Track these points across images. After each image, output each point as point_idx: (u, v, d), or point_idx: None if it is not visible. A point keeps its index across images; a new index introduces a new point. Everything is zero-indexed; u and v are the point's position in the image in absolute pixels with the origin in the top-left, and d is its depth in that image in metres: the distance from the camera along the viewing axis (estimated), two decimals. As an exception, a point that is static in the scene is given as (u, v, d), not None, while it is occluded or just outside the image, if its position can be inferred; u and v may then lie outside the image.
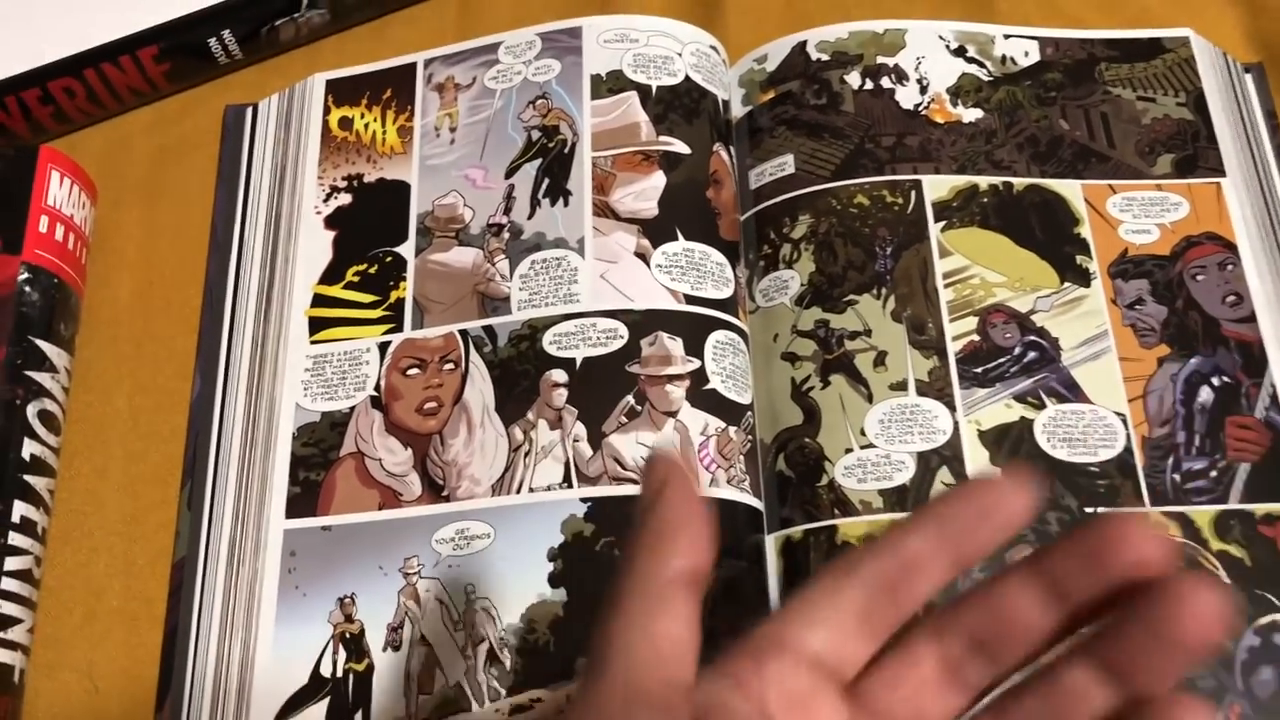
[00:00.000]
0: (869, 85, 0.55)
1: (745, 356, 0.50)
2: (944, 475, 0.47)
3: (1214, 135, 0.54)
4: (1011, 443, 0.48)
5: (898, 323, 0.50)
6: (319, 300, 0.52)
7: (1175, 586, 0.26)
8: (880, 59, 0.56)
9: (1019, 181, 0.53)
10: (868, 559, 0.30)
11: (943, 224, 0.52)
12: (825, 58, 0.56)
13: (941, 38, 0.56)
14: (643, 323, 0.49)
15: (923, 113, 0.55)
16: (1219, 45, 0.57)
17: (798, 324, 0.50)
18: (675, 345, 0.48)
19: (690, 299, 0.49)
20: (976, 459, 0.47)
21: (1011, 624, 0.29)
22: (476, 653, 0.44)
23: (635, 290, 0.49)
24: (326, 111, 0.56)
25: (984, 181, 0.53)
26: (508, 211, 0.52)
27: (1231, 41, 0.58)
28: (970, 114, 0.55)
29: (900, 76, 0.55)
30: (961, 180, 0.53)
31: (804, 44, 0.56)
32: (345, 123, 0.56)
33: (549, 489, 0.46)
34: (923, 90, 0.55)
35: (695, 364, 0.48)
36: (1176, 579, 0.27)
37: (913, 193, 0.52)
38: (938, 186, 0.53)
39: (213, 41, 0.56)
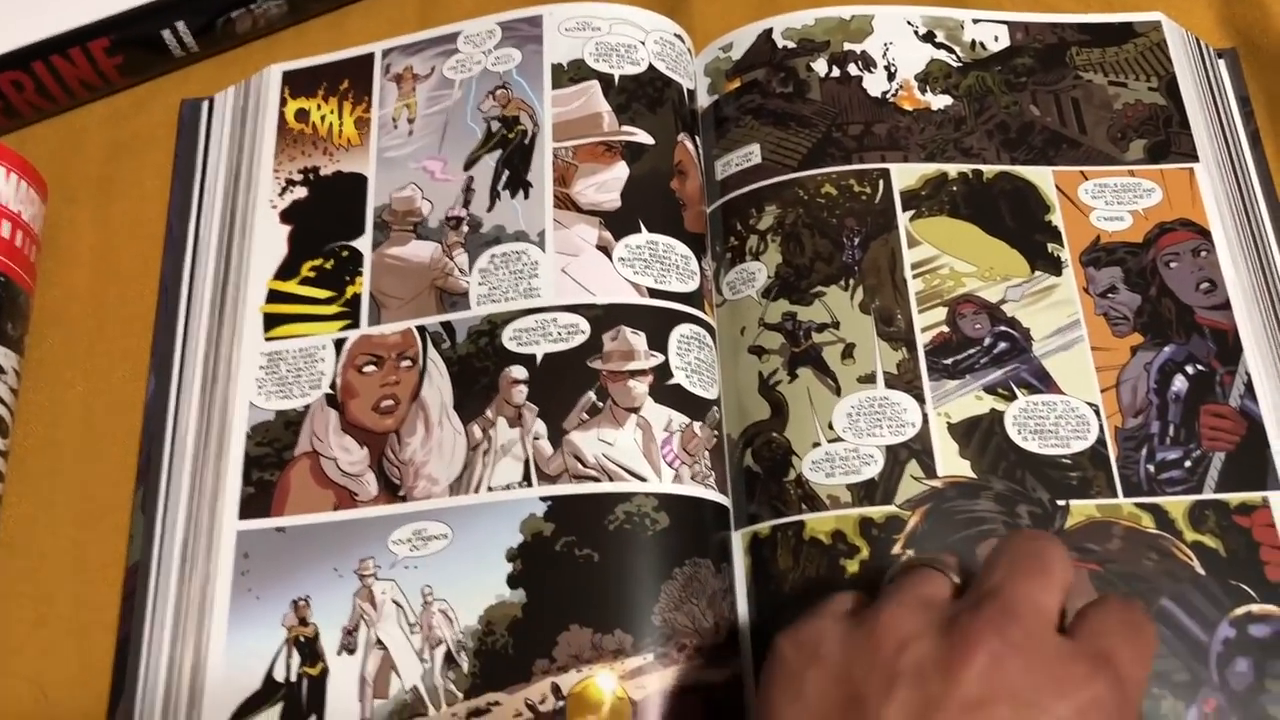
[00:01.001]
0: (836, 73, 0.54)
1: (711, 351, 0.49)
2: (913, 469, 0.46)
3: (1186, 120, 0.53)
4: (981, 435, 0.47)
5: (866, 314, 0.49)
6: (274, 296, 0.51)
7: None
8: (847, 45, 0.55)
9: (989, 169, 0.52)
10: None
11: (911, 213, 0.51)
12: (792, 45, 0.55)
13: (909, 23, 0.55)
14: (605, 317, 0.47)
15: (891, 100, 0.53)
16: (1191, 30, 0.56)
17: (765, 317, 0.49)
18: (638, 340, 0.47)
19: (654, 292, 0.48)
20: (946, 452, 0.46)
21: None
22: (434, 656, 0.43)
23: (597, 284, 0.48)
24: (283, 103, 0.55)
25: (953, 169, 0.52)
26: (467, 204, 0.51)
27: (1204, 26, 0.57)
28: (939, 101, 0.54)
29: (868, 63, 0.54)
30: (930, 168, 0.52)
31: (770, 31, 0.55)
32: (302, 115, 0.55)
33: (508, 488, 0.45)
34: (890, 77, 0.54)
35: (658, 359, 0.47)
36: None
37: (881, 182, 0.51)
38: (906, 175, 0.51)
39: (166, 33, 0.55)
